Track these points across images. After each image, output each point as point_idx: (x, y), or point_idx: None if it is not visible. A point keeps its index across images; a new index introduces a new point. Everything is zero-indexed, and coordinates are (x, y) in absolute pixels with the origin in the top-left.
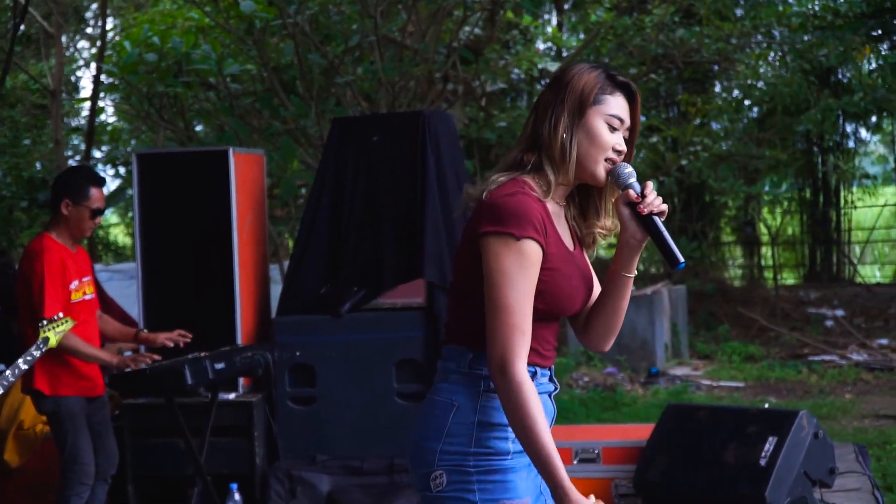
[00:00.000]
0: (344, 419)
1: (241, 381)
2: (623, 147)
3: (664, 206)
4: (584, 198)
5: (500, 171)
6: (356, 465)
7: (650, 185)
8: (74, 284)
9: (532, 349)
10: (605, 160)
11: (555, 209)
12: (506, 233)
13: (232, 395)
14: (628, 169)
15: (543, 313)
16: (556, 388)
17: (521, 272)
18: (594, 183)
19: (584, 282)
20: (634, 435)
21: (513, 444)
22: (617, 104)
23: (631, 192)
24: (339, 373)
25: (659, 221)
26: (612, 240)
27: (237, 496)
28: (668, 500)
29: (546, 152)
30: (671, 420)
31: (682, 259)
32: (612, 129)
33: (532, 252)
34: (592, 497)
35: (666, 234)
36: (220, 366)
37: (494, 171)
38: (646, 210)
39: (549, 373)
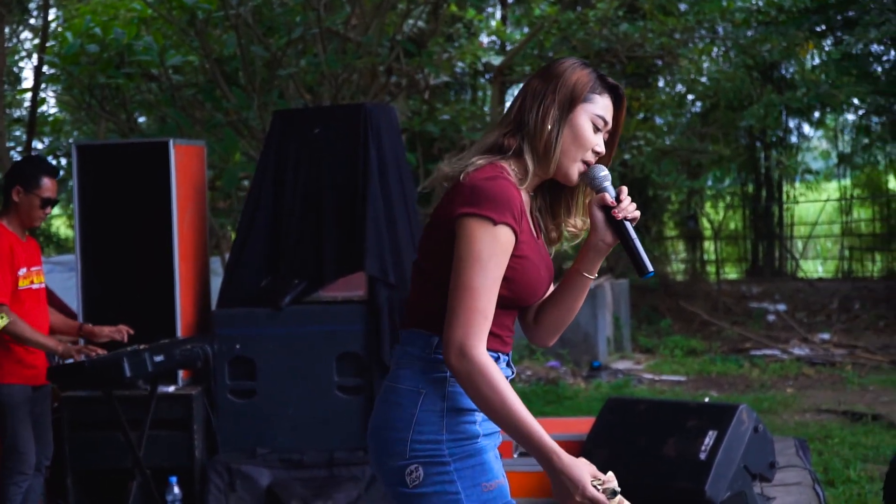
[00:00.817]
0: (284, 412)
1: (181, 373)
2: (602, 149)
3: (637, 213)
4: (556, 193)
5: (478, 153)
6: (296, 459)
7: (625, 190)
8: (22, 272)
9: (495, 335)
10: (582, 160)
11: (525, 198)
12: (484, 216)
13: (171, 388)
14: (604, 172)
15: (508, 301)
16: (512, 374)
17: (492, 258)
18: (565, 182)
19: (547, 273)
20: (575, 429)
21: (480, 427)
22: (604, 105)
23: (607, 195)
24: (280, 366)
25: (631, 228)
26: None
27: (176, 489)
28: None
29: (529, 140)
30: (611, 414)
31: (650, 268)
32: (596, 129)
33: (506, 239)
34: (583, 459)
35: (637, 241)
36: (159, 358)
37: (472, 152)
38: (620, 215)
39: (507, 358)
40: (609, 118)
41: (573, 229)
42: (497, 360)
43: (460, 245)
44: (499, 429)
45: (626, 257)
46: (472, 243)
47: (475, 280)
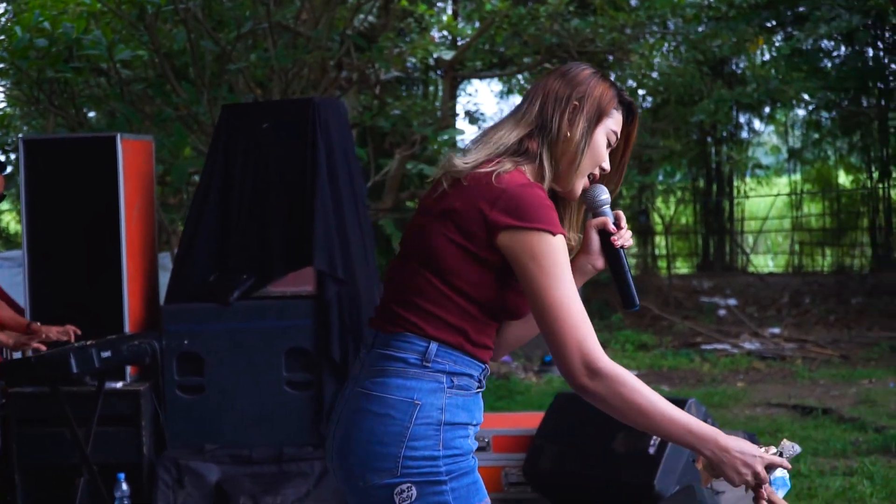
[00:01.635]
0: (232, 408)
1: (129, 369)
2: (608, 166)
3: (632, 241)
4: (556, 206)
5: (494, 153)
6: (245, 455)
7: (623, 216)
8: None
9: (489, 348)
10: (588, 176)
11: None
12: (543, 230)
13: (119, 384)
14: (605, 194)
15: (503, 312)
16: (481, 387)
17: (565, 268)
18: (568, 196)
19: None
20: (525, 423)
21: (471, 442)
22: (618, 121)
23: (609, 221)
24: (228, 361)
25: (625, 257)
26: None
27: (124, 486)
28: (558, 489)
29: (550, 147)
30: (561, 408)
31: (637, 301)
32: (608, 144)
33: (564, 247)
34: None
35: (629, 272)
36: (106, 354)
37: (488, 147)
38: (619, 243)
39: (488, 369)
40: (619, 134)
41: (571, 243)
42: (483, 371)
43: (527, 263)
44: (477, 445)
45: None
46: (544, 261)
47: (561, 296)
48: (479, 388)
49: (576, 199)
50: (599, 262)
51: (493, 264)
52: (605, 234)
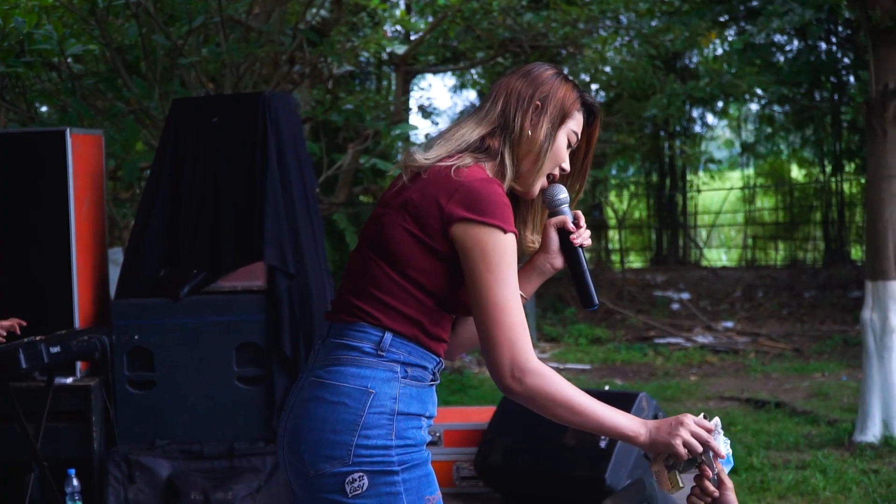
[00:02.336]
0: (183, 403)
1: (79, 365)
2: (568, 167)
3: (590, 241)
4: (515, 206)
5: (455, 149)
6: (196, 450)
7: (581, 215)
8: None
9: (444, 341)
10: (548, 175)
11: None
12: (495, 225)
13: (69, 380)
14: (564, 193)
15: (457, 306)
16: (436, 380)
17: (511, 267)
18: (525, 194)
19: None
20: (476, 418)
21: (424, 433)
22: (579, 122)
23: (568, 220)
24: (179, 356)
25: (583, 257)
26: None
27: (75, 481)
28: (509, 483)
29: (513, 147)
30: (512, 403)
31: (596, 301)
32: (569, 145)
33: (514, 245)
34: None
35: (587, 271)
36: (55, 349)
37: (449, 143)
38: (578, 242)
39: (441, 363)
40: (579, 135)
41: (532, 245)
42: (438, 364)
43: (473, 257)
44: (430, 438)
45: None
46: (489, 257)
47: (502, 295)
48: (432, 380)
49: (532, 198)
50: (558, 262)
51: (446, 256)
52: (563, 233)
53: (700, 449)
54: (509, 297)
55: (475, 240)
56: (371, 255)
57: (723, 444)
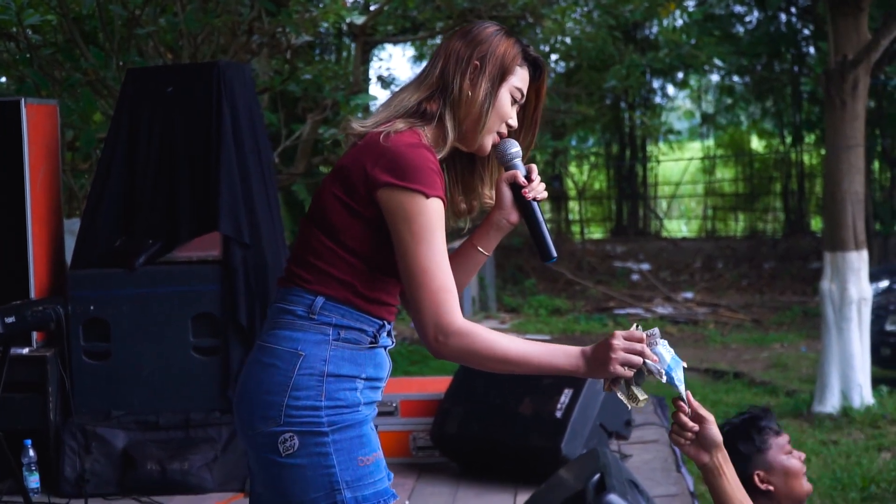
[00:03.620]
0: (139, 374)
1: (35, 335)
2: (514, 122)
3: (545, 194)
4: (469, 164)
5: (393, 115)
6: (152, 421)
7: (535, 168)
8: None
9: (384, 303)
10: (497, 132)
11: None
12: (417, 190)
13: (25, 350)
14: (515, 147)
15: (395, 269)
16: (392, 343)
17: (436, 232)
18: (479, 152)
19: None
20: (432, 388)
21: (362, 395)
22: (523, 77)
23: (518, 174)
24: (134, 327)
25: (538, 209)
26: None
27: (31, 452)
28: (465, 452)
29: (452, 108)
30: (468, 372)
31: (554, 253)
32: (514, 101)
33: (441, 211)
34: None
35: (544, 224)
36: (10, 319)
37: (388, 111)
38: (530, 195)
39: (389, 327)
40: (525, 91)
41: (490, 201)
42: (381, 328)
43: (397, 222)
44: (377, 399)
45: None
46: (413, 222)
47: (426, 260)
48: (372, 343)
49: (485, 155)
50: (513, 216)
51: (374, 221)
52: (516, 188)
53: (639, 362)
54: (434, 261)
55: (398, 205)
56: (308, 223)
57: (665, 351)
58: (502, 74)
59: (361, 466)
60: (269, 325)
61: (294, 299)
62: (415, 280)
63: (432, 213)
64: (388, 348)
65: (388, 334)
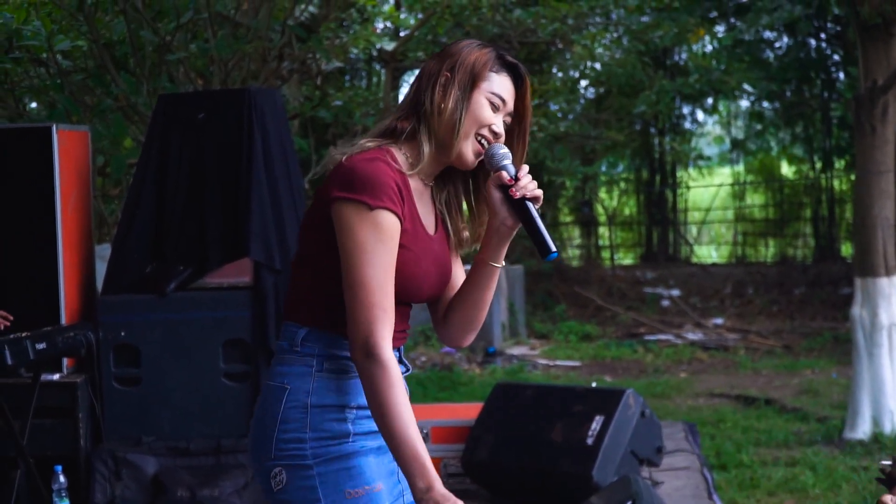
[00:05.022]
0: (170, 400)
1: (66, 361)
2: (500, 129)
3: (539, 192)
4: (471, 192)
5: (370, 137)
6: (182, 447)
7: (525, 168)
8: None
9: None
10: (478, 138)
11: (418, 186)
12: (359, 201)
13: (56, 376)
14: (503, 150)
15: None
16: (407, 370)
17: (378, 245)
18: (461, 165)
19: (436, 268)
20: (463, 414)
21: (353, 426)
22: (501, 83)
23: (504, 174)
24: (165, 353)
25: (532, 208)
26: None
27: (62, 478)
28: (496, 479)
29: (426, 122)
30: (499, 399)
31: (553, 248)
32: (494, 108)
33: (389, 224)
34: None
35: (539, 221)
36: (41, 346)
37: (365, 136)
38: (518, 194)
39: (398, 354)
40: (508, 98)
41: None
42: None
43: (341, 235)
44: (364, 429)
45: (521, 245)
46: (354, 233)
47: (366, 274)
48: None
49: (469, 167)
50: (509, 220)
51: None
52: (505, 189)
53: None
54: (371, 276)
55: (341, 216)
56: (296, 255)
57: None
58: (473, 80)
59: (349, 500)
60: (272, 362)
61: (284, 333)
62: (352, 292)
63: (375, 225)
64: (403, 374)
65: (400, 361)
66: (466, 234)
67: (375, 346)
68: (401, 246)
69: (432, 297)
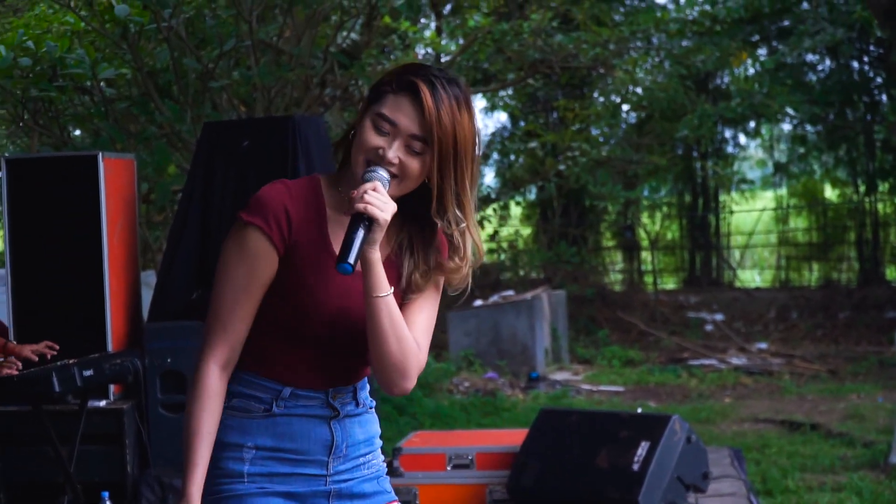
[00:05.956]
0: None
1: (112, 388)
2: (393, 157)
3: (376, 211)
4: (427, 234)
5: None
6: None
7: (376, 185)
8: None
9: (283, 365)
10: (367, 164)
11: (339, 215)
12: (239, 216)
13: (102, 403)
14: (379, 173)
15: (277, 324)
16: (342, 413)
17: (238, 261)
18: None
19: (340, 303)
20: (508, 440)
21: (249, 466)
22: (395, 104)
23: (359, 190)
24: None
25: (359, 223)
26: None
27: None
28: None
29: (349, 147)
30: (544, 425)
31: (346, 260)
32: (379, 130)
33: (252, 240)
34: None
35: (354, 233)
36: (88, 373)
37: None
38: (353, 206)
39: (322, 396)
40: (401, 120)
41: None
42: (279, 394)
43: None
44: (286, 471)
45: (563, 270)
46: (224, 247)
47: (218, 284)
48: (266, 411)
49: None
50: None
51: None
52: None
53: None
54: (222, 288)
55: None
56: None
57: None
58: (369, 101)
59: None
60: None
61: None
62: (210, 305)
63: (239, 240)
64: (332, 418)
65: (327, 404)
66: (417, 276)
67: (200, 359)
68: (294, 272)
69: (338, 334)
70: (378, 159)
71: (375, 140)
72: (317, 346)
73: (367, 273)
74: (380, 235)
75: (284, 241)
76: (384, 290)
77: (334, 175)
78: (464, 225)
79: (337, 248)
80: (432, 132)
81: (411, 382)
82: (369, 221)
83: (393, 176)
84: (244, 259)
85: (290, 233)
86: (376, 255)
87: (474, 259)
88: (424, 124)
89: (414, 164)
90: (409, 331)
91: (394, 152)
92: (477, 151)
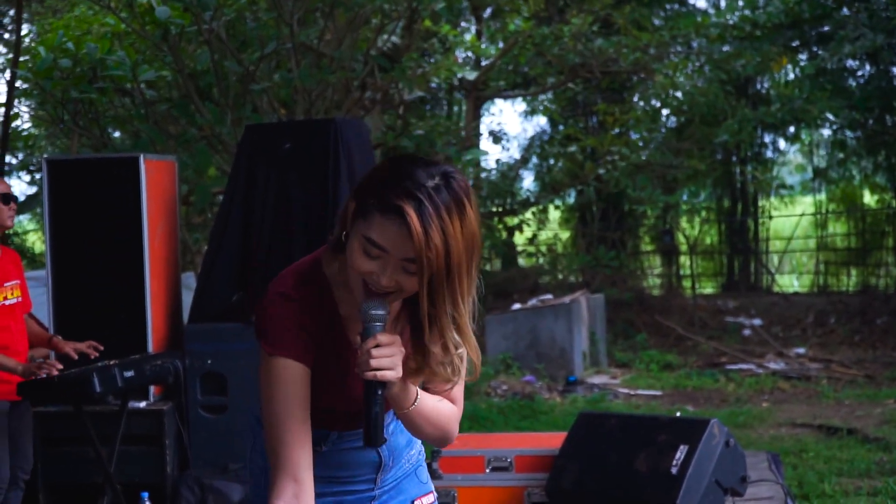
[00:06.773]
0: None
1: (153, 389)
2: (388, 283)
3: (374, 374)
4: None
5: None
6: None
7: (377, 339)
8: None
9: (327, 416)
10: (365, 285)
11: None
12: (263, 345)
13: (143, 404)
14: (377, 311)
15: (323, 404)
16: (388, 437)
17: (274, 390)
18: None
19: (345, 380)
20: (547, 443)
21: None
22: (381, 228)
23: (359, 338)
24: (251, 381)
25: (374, 389)
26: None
27: None
28: None
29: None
30: (583, 428)
31: (376, 442)
32: (368, 255)
33: (283, 368)
34: None
35: (372, 405)
36: (129, 374)
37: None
38: (358, 370)
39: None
40: (389, 245)
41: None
42: (328, 437)
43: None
44: (346, 488)
45: (602, 274)
46: (260, 379)
47: (267, 420)
48: (316, 451)
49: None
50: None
51: None
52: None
53: None
54: (270, 424)
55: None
56: None
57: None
58: (356, 218)
59: None
60: None
61: None
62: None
63: (271, 370)
64: (352, 448)
65: (359, 436)
66: (413, 364)
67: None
68: (319, 370)
69: (348, 409)
70: (373, 282)
71: (367, 265)
72: (356, 407)
73: (392, 403)
74: (397, 386)
75: (310, 352)
76: (409, 404)
77: (334, 249)
78: (462, 350)
79: (354, 337)
80: (422, 258)
81: (454, 438)
82: (383, 383)
83: (390, 293)
84: (281, 387)
85: (313, 345)
86: (395, 390)
87: (470, 375)
88: (415, 248)
89: (411, 282)
90: (444, 403)
91: (388, 278)
92: (477, 255)
